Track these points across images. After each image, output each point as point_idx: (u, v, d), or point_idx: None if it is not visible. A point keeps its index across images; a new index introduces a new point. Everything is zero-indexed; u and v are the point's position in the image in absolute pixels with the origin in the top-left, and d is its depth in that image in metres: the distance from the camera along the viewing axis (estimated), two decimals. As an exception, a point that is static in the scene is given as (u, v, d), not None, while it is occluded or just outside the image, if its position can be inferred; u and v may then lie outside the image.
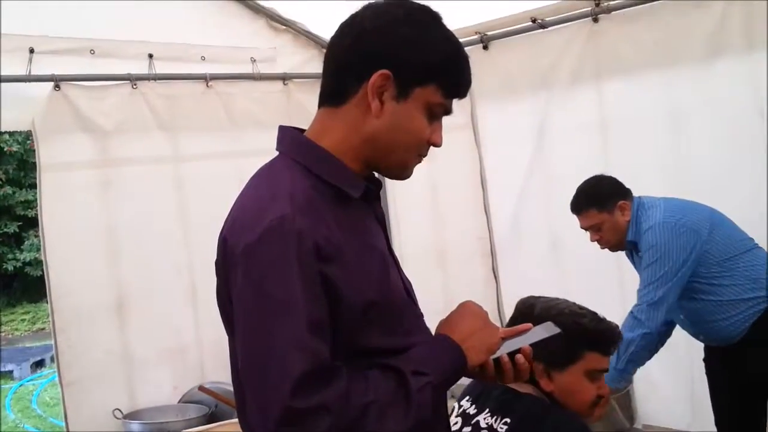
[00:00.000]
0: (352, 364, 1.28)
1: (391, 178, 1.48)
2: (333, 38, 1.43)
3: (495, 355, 1.44)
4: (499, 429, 1.80)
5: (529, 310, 1.92)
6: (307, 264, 1.24)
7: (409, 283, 1.50)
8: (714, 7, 3.05)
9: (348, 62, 1.39)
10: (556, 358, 1.82)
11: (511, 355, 1.46)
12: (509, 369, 1.46)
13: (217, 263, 1.38)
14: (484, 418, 1.85)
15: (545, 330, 1.53)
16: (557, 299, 2.00)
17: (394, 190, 4.32)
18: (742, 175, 3.07)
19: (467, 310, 1.46)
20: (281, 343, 1.22)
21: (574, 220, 3.66)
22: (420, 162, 1.45)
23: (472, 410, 1.90)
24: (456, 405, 1.99)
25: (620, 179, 3.47)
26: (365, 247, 1.37)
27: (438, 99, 1.38)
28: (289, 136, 1.43)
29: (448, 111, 1.44)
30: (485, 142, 4.05)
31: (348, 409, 1.22)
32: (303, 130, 1.44)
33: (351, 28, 1.41)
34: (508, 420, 1.79)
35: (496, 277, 4.08)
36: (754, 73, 2.98)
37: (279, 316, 1.23)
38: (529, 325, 1.53)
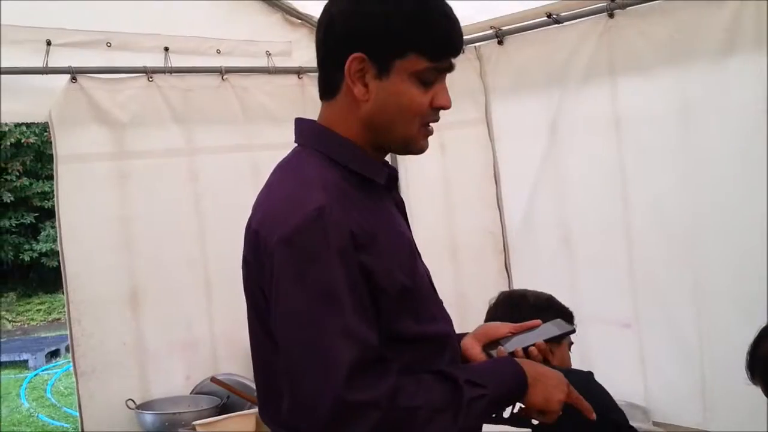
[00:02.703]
0: (389, 350, 1.28)
1: (405, 153, 1.47)
2: (315, 32, 1.44)
3: (509, 349, 1.47)
4: None
5: (522, 299, 2.19)
6: (347, 253, 1.25)
7: (428, 270, 1.51)
8: (728, 5, 3.04)
9: (326, 53, 1.40)
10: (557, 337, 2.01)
11: (524, 348, 1.49)
12: None
13: (246, 256, 1.38)
14: None
15: (557, 327, 1.56)
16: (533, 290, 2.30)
17: (407, 183, 4.33)
18: (753, 173, 3.05)
19: (554, 371, 1.47)
20: (329, 332, 1.21)
21: (585, 215, 3.68)
22: (430, 131, 1.42)
23: None
24: None
25: (632, 176, 3.47)
26: (394, 233, 1.38)
27: (423, 65, 1.34)
28: (308, 128, 1.44)
29: (447, 70, 1.39)
30: (499, 136, 4.05)
31: (396, 410, 1.22)
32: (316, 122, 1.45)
33: (322, 18, 1.41)
34: None
35: (508, 272, 4.08)
36: (765, 70, 2.97)
37: (324, 306, 1.22)
38: (539, 321, 1.55)
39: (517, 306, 2.22)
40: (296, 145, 1.44)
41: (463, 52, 4.30)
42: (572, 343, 2.30)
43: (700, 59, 3.16)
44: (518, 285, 3.99)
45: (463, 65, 3.99)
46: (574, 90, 3.63)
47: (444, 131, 4.08)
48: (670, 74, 3.27)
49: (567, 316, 2.28)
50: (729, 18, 3.04)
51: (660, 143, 3.35)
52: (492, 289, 4.09)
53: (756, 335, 2.21)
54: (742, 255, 3.12)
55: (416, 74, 1.35)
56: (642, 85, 3.40)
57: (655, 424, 3.24)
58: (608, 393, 2.08)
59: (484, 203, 4.12)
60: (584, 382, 2.05)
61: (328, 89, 1.41)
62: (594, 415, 1.46)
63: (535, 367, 1.43)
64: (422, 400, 1.24)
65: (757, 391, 3.08)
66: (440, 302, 1.50)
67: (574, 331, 1.57)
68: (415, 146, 1.42)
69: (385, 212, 1.40)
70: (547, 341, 1.52)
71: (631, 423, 2.84)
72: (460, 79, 4.02)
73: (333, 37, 1.38)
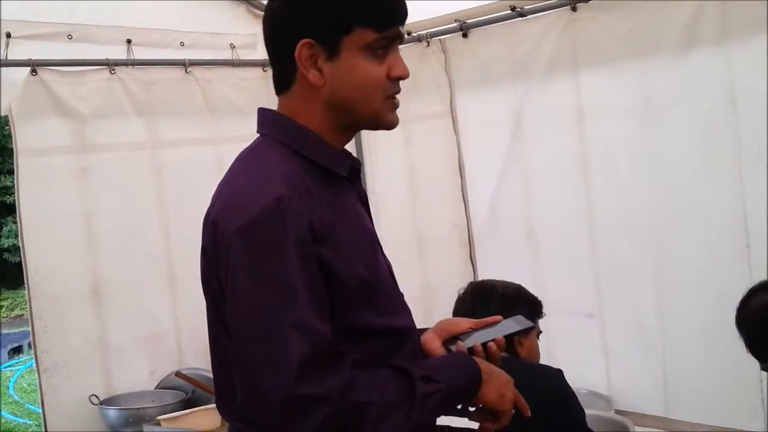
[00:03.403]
0: (348, 345, 1.28)
1: (376, 129, 1.45)
2: (263, 31, 1.44)
3: (468, 344, 1.48)
4: None
5: (491, 290, 2.20)
6: (305, 245, 1.24)
7: (390, 263, 1.51)
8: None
9: (275, 48, 1.40)
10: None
11: (483, 343, 1.50)
12: (482, 357, 1.50)
13: (204, 247, 1.37)
14: None
15: (517, 323, 1.58)
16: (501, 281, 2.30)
17: (373, 176, 4.33)
18: (714, 165, 3.10)
19: (503, 371, 1.48)
20: (281, 325, 1.20)
21: (549, 207, 3.71)
22: (396, 103, 1.41)
23: None
24: None
25: (596, 168, 3.51)
26: (355, 226, 1.38)
27: (371, 37, 1.34)
28: (270, 118, 1.43)
29: (396, 39, 1.38)
30: (464, 129, 4.07)
31: (348, 404, 1.21)
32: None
33: (266, 15, 1.41)
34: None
35: (473, 264, 4.10)
36: (727, 65, 3.01)
37: (277, 298, 1.21)
38: (500, 317, 1.57)
39: (486, 296, 2.23)
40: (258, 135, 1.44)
41: (428, 45, 4.33)
42: (541, 332, 2.32)
43: (662, 53, 3.19)
44: (483, 277, 4.00)
45: (429, 58, 4.00)
46: (538, 83, 3.65)
47: (409, 124, 4.10)
48: (633, 68, 3.30)
49: (536, 306, 2.30)
50: (690, 12, 3.08)
51: (623, 136, 3.38)
52: (457, 281, 4.12)
53: (746, 292, 2.22)
54: (705, 247, 3.16)
55: (366, 48, 1.34)
56: (605, 79, 3.43)
57: (618, 412, 3.28)
58: (574, 393, 2.11)
59: (449, 196, 4.13)
60: (553, 379, 2.07)
61: (282, 82, 1.41)
62: (529, 412, 1.49)
63: (488, 365, 1.44)
64: (375, 395, 1.24)
65: (718, 379, 3.15)
66: (401, 296, 1.50)
67: (533, 327, 1.59)
68: (384, 120, 1.40)
69: (347, 204, 1.39)
70: (506, 337, 1.53)
71: (594, 411, 2.89)
72: (426, 72, 4.07)
73: (278, 30, 1.39)
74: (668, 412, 3.35)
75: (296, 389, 1.17)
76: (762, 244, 2.90)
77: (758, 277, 2.96)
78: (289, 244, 1.22)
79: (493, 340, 1.50)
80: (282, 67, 1.39)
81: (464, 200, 4.10)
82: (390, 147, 4.25)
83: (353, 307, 1.31)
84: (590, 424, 2.16)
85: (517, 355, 2.20)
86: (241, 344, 1.25)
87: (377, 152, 4.33)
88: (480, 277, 4.03)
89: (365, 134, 4.27)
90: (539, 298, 2.33)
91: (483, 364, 1.42)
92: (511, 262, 3.81)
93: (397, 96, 1.41)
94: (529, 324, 1.58)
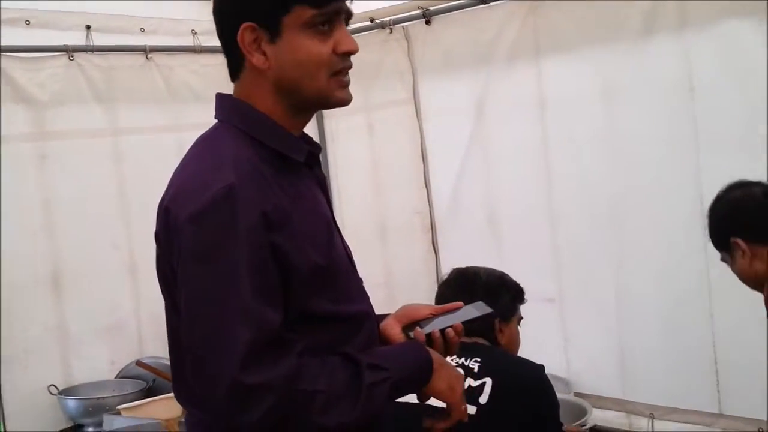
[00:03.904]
0: (302, 330, 1.28)
1: (327, 108, 1.44)
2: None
3: (426, 331, 1.49)
4: (471, 365, 1.96)
5: (474, 278, 2.21)
6: (255, 233, 1.23)
7: (349, 249, 1.51)
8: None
9: (222, 35, 1.40)
10: (506, 313, 2.21)
11: (441, 329, 1.51)
12: (440, 343, 1.51)
13: (157, 233, 1.36)
14: (452, 360, 2.00)
15: (477, 309, 1.59)
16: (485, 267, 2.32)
17: (336, 163, 4.33)
18: (673, 151, 3.15)
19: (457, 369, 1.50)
20: (228, 313, 1.20)
21: (511, 194, 3.73)
22: (346, 81, 1.40)
23: None
24: None
25: (557, 155, 3.54)
26: (310, 212, 1.37)
27: (309, 13, 1.32)
28: (228, 103, 1.43)
29: (339, 14, 1.37)
30: (427, 116, 4.08)
31: (294, 392, 1.21)
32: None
33: (213, 6, 1.43)
34: (478, 359, 1.96)
35: (435, 251, 4.13)
36: (686, 52, 3.06)
37: (225, 285, 1.21)
38: (461, 303, 1.58)
39: (470, 283, 2.23)
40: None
41: (391, 31, 4.33)
42: (522, 318, 2.33)
43: (622, 40, 3.23)
44: (446, 264, 4.04)
45: (391, 45, 4.00)
46: (501, 70, 3.67)
47: (372, 112, 4.10)
48: (594, 55, 3.33)
49: (519, 293, 2.32)
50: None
51: (584, 123, 3.42)
52: (420, 267, 4.15)
53: (724, 187, 2.24)
54: (663, 232, 3.22)
55: (306, 25, 1.33)
56: (566, 66, 3.46)
57: (577, 395, 3.33)
58: (554, 390, 2.14)
59: (412, 183, 4.14)
60: (539, 376, 2.09)
61: (233, 69, 1.42)
62: (466, 419, 1.52)
63: (440, 357, 1.45)
64: (323, 384, 1.24)
65: (674, 362, 3.22)
66: (359, 282, 1.51)
67: (494, 312, 1.60)
68: (332, 98, 1.39)
69: (303, 190, 1.39)
70: (465, 323, 1.54)
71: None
72: (388, 59, 4.07)
73: (223, 17, 1.40)
74: (626, 394, 3.41)
75: (241, 377, 1.18)
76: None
77: (715, 262, 3.02)
78: (237, 232, 1.22)
79: (451, 326, 1.51)
80: (231, 53, 1.40)
81: (427, 187, 4.12)
82: (353, 134, 4.24)
83: (308, 293, 1.31)
84: (549, 407, 2.19)
85: (498, 343, 2.21)
86: (189, 331, 1.25)
87: (340, 139, 4.33)
88: (442, 264, 4.06)
89: (328, 121, 4.27)
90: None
91: (435, 355, 1.43)
92: (473, 248, 3.83)
93: (348, 74, 1.40)
94: (489, 310, 1.59)
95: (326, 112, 4.24)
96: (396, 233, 4.22)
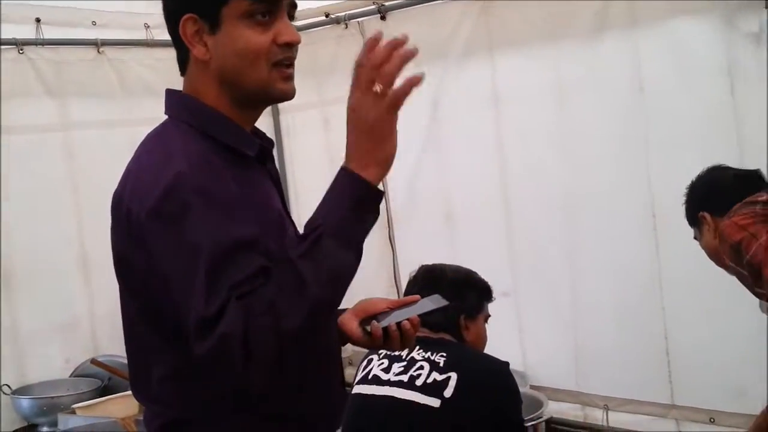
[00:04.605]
0: None
1: (271, 101, 1.43)
2: None
3: (383, 324, 1.50)
4: (437, 360, 1.98)
5: (441, 276, 2.23)
6: (209, 206, 1.22)
7: None
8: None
9: (170, 29, 1.40)
10: (472, 310, 2.22)
11: (398, 322, 1.52)
12: (396, 336, 1.52)
13: (114, 230, 1.35)
14: (418, 353, 2.02)
15: (433, 302, 1.60)
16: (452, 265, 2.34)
17: (291, 158, 4.32)
18: (624, 148, 3.20)
19: (358, 120, 1.34)
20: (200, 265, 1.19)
21: (466, 189, 3.76)
22: (288, 72, 1.37)
23: (397, 352, 2.03)
24: (374, 355, 2.12)
25: (511, 151, 3.57)
26: (262, 206, 1.37)
27: (247, 3, 1.32)
28: (177, 98, 1.42)
29: (278, 4, 1.35)
30: (381, 112, 4.08)
31: (253, 325, 1.17)
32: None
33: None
34: (444, 354, 1.98)
35: (392, 246, 4.14)
36: (636, 52, 3.11)
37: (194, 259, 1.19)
38: (418, 297, 1.59)
39: (436, 280, 2.25)
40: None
41: (347, 27, 4.31)
42: (489, 315, 2.34)
43: (574, 38, 3.27)
44: (402, 258, 4.06)
45: (346, 41, 3.99)
46: (455, 66, 3.69)
47: (328, 106, 4.09)
48: (546, 51, 3.36)
49: (485, 290, 2.34)
50: (600, -2, 3.17)
51: (537, 119, 3.45)
52: (376, 262, 4.16)
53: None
54: (615, 227, 3.26)
55: (245, 15, 1.32)
56: (519, 63, 3.49)
57: (533, 388, 3.38)
58: (518, 387, 2.16)
59: (367, 178, 4.14)
60: (504, 372, 2.12)
61: (181, 62, 1.42)
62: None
63: (349, 141, 1.35)
64: (270, 291, 1.19)
65: (628, 354, 3.27)
66: None
67: (449, 305, 1.62)
68: (274, 90, 1.37)
69: (255, 184, 1.38)
70: (422, 316, 1.56)
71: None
72: (343, 54, 4.06)
73: (168, 11, 1.39)
74: (580, 386, 3.47)
75: (201, 345, 1.16)
76: (668, 225, 3.01)
77: (665, 257, 3.09)
78: (196, 208, 1.21)
79: (407, 319, 1.52)
80: (178, 47, 1.40)
81: (382, 181, 4.12)
82: (308, 129, 4.24)
83: None
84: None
85: (464, 339, 2.23)
86: (179, 308, 1.21)
87: (295, 134, 4.31)
88: (399, 258, 4.08)
89: (283, 116, 4.25)
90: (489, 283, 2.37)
91: (349, 150, 1.33)
92: (430, 242, 3.85)
93: (292, 66, 1.38)
94: (445, 303, 1.61)
95: (281, 107, 4.23)
96: (352, 228, 4.22)
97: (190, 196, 1.22)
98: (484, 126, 3.64)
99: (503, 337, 3.57)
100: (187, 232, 1.21)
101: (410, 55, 1.31)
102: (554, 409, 3.37)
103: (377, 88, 1.30)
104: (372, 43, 1.30)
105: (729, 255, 1.89)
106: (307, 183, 4.29)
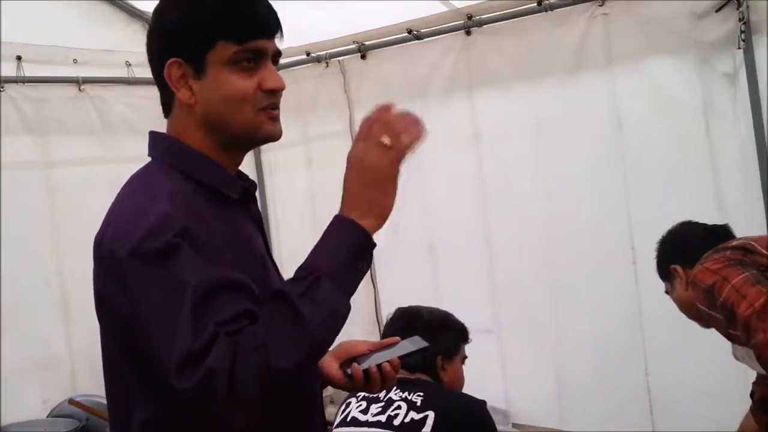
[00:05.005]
0: None
1: (257, 143, 1.43)
2: None
3: (363, 366, 1.50)
4: (415, 399, 1.98)
5: (417, 317, 2.24)
6: (194, 247, 1.22)
7: None
8: (577, 23, 3.21)
9: (154, 71, 1.41)
10: (448, 351, 2.24)
11: (378, 364, 1.52)
12: (377, 378, 1.51)
13: (96, 271, 1.35)
14: (395, 393, 2.02)
15: (413, 344, 1.60)
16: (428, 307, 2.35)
17: (274, 197, 4.32)
18: (603, 185, 3.24)
19: (351, 165, 1.37)
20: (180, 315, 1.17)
21: (448, 226, 3.78)
22: (273, 114, 1.38)
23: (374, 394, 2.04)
24: (352, 398, 2.12)
25: (492, 188, 3.60)
26: (245, 248, 1.37)
27: (233, 49, 1.32)
28: (161, 140, 1.42)
29: (265, 51, 1.36)
30: (364, 150, 4.09)
31: (243, 356, 1.17)
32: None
33: (146, 43, 1.43)
34: (421, 393, 1.99)
35: (374, 283, 4.13)
36: (613, 90, 3.16)
37: (177, 302, 1.18)
38: (398, 338, 1.59)
39: (412, 321, 2.26)
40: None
41: (327, 65, 4.34)
42: (466, 357, 2.35)
43: (552, 75, 3.32)
44: (384, 296, 4.06)
45: (327, 79, 4.03)
46: (435, 104, 3.73)
47: (310, 144, 4.11)
48: (525, 89, 3.42)
49: (461, 331, 2.35)
50: (577, 35, 3.22)
51: (517, 156, 3.49)
52: (358, 301, 4.11)
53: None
54: (596, 264, 3.29)
55: (230, 62, 1.33)
56: (499, 100, 3.54)
57: (515, 426, 3.37)
58: (495, 425, 2.17)
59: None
60: (480, 410, 2.13)
61: (165, 105, 1.42)
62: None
63: (347, 187, 1.37)
64: (261, 336, 1.18)
65: (609, 388, 3.28)
66: None
67: (434, 349, 1.63)
68: (260, 132, 1.37)
69: (239, 227, 1.38)
70: (402, 357, 1.56)
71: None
72: (325, 92, 4.10)
73: (152, 53, 1.40)
74: (563, 424, 3.46)
75: (178, 383, 1.14)
76: (647, 260, 3.02)
77: (644, 292, 3.11)
78: (180, 252, 1.21)
79: (388, 361, 1.52)
80: (162, 89, 1.40)
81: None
82: (291, 167, 4.25)
83: None
84: (486, 439, 2.22)
85: (440, 380, 2.24)
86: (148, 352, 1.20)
87: (278, 173, 4.32)
88: (380, 296, 4.07)
89: (265, 154, 4.27)
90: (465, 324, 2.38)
91: (345, 198, 1.35)
92: (412, 280, 3.86)
93: (277, 108, 1.39)
94: (424, 344, 1.61)
95: (263, 146, 4.25)
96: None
97: (175, 236, 1.21)
98: (465, 162, 3.67)
99: (486, 374, 3.58)
100: (171, 271, 1.21)
101: (422, 130, 1.40)
102: (537, 446, 3.38)
103: (386, 140, 1.34)
104: (385, 105, 1.38)
105: (702, 300, 1.91)
106: (289, 220, 4.29)
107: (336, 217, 1.35)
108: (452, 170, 3.75)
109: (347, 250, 1.32)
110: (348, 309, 1.31)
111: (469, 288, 3.67)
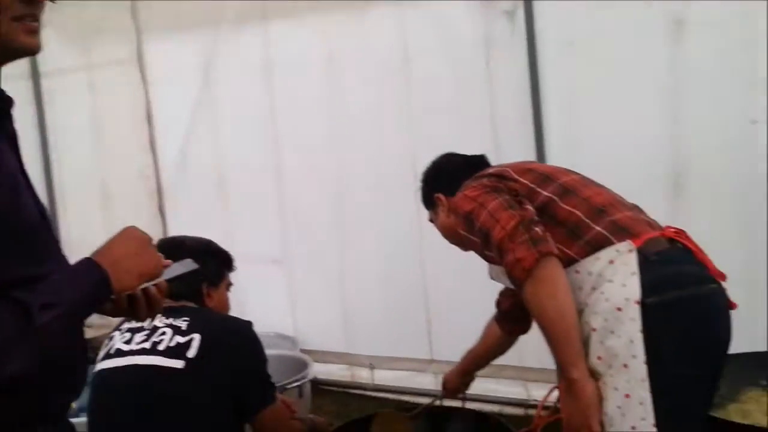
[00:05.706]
0: None
1: (14, 54, 1.32)
2: None
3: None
4: (180, 324, 1.99)
5: (180, 246, 2.22)
6: None
7: (44, 206, 1.43)
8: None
9: None
10: (214, 279, 2.25)
11: (143, 288, 1.48)
12: (142, 303, 1.45)
13: None
14: (160, 321, 2.01)
15: (183, 266, 1.58)
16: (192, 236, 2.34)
17: (55, 125, 4.11)
18: (388, 115, 3.35)
19: (126, 234, 1.40)
20: None
21: (239, 157, 3.76)
22: (32, 26, 1.30)
23: (135, 323, 2.03)
24: (116, 332, 2.11)
25: (284, 119, 3.61)
26: None
27: None
28: None
29: None
30: (153, 78, 3.96)
31: None
32: None
33: None
34: (186, 318, 1.99)
35: (162, 215, 4.06)
36: (401, 21, 3.25)
37: None
38: (169, 261, 1.56)
39: (175, 251, 2.22)
40: None
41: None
42: (231, 284, 2.38)
43: (344, 9, 3.35)
44: (173, 228, 4.00)
45: (114, 3, 3.83)
46: (228, 33, 3.66)
47: (93, 71, 3.92)
48: (318, 22, 3.43)
49: (226, 260, 2.36)
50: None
51: (309, 88, 3.52)
52: (146, 232, 4.05)
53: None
54: (380, 193, 3.42)
55: None
56: (292, 32, 3.52)
57: (303, 351, 3.47)
58: (262, 344, 2.21)
59: (137, 146, 4.02)
60: (246, 331, 2.16)
61: None
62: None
63: (111, 246, 1.38)
64: None
65: (391, 315, 3.45)
66: (55, 242, 1.44)
67: (201, 276, 1.62)
68: (15, 42, 1.28)
69: None
70: (170, 280, 1.53)
71: (277, 351, 3.05)
72: (110, 17, 3.89)
73: None
74: (348, 348, 3.62)
75: None
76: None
77: (426, 221, 3.27)
78: None
79: (155, 285, 1.49)
80: None
81: (153, 150, 4.02)
82: (72, 93, 4.03)
83: None
84: (273, 363, 2.29)
85: (206, 307, 2.25)
86: None
87: (58, 99, 4.09)
88: (169, 228, 4.01)
89: (45, 80, 4.03)
90: (228, 247, 2.39)
91: (107, 252, 1.36)
92: (201, 212, 3.83)
93: (38, 20, 1.32)
94: (195, 266, 1.60)
95: (43, 70, 4.00)
96: (120, 199, 4.09)
97: None
98: (257, 94, 3.66)
99: (275, 304, 3.67)
100: None
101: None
102: (323, 370, 3.50)
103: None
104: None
105: (462, 225, 2.03)
106: (71, 151, 4.09)
107: (89, 262, 1.33)
108: (244, 102, 3.72)
109: (91, 298, 1.32)
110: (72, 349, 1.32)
111: (258, 220, 3.70)
